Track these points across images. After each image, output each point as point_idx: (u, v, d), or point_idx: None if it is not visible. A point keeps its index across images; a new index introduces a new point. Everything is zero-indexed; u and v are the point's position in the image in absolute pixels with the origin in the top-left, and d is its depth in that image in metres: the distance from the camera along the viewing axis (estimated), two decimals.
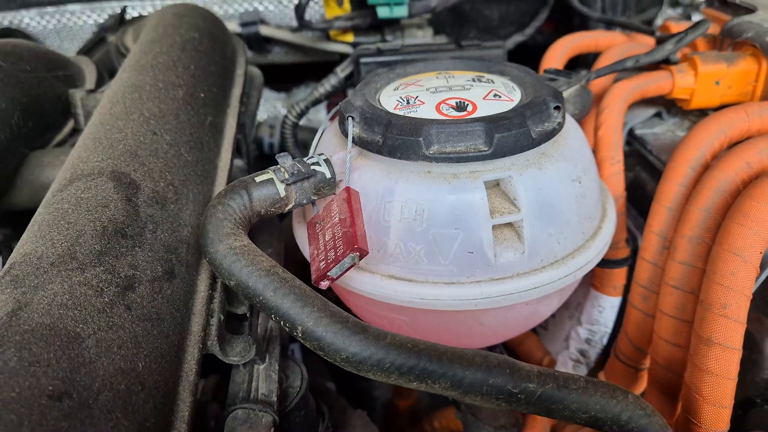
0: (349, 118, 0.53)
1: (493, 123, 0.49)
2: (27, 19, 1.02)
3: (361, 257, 0.46)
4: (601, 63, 0.80)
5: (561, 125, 0.52)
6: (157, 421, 0.38)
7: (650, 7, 1.05)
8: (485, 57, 0.75)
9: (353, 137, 0.52)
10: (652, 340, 0.57)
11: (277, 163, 0.50)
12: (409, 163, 0.50)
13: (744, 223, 0.50)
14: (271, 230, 0.63)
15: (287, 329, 0.44)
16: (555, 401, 0.44)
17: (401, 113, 0.53)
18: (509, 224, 0.50)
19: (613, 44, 0.88)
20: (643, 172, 0.80)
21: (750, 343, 0.56)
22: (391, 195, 0.49)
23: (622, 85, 0.72)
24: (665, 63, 0.82)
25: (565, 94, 0.64)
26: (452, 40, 0.79)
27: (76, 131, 0.70)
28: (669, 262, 0.56)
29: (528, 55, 0.92)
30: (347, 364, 0.43)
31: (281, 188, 0.49)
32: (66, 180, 0.49)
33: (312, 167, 0.51)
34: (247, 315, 0.50)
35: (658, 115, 0.82)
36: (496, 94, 0.55)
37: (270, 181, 0.49)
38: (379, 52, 0.76)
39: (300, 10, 0.93)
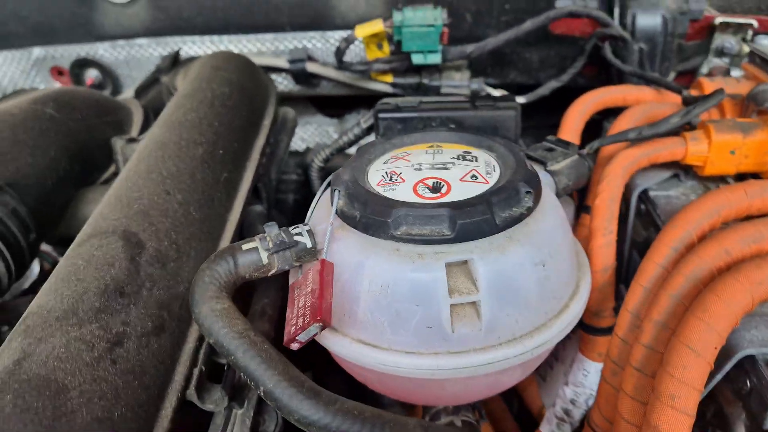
0: (336, 192, 0.58)
1: (457, 210, 0.52)
2: (101, 50, 1.12)
3: (323, 328, 0.51)
4: (619, 123, 0.82)
5: (531, 209, 0.55)
6: None
7: (695, 56, 1.03)
8: (498, 117, 0.78)
9: (337, 210, 0.57)
10: (614, 416, 0.59)
11: (264, 231, 0.56)
12: (380, 241, 0.54)
13: (702, 317, 0.52)
14: (271, 282, 0.69)
15: (252, 386, 0.50)
16: None
17: (382, 190, 0.57)
18: (472, 303, 0.54)
19: (640, 100, 0.89)
20: (655, 235, 0.80)
21: (724, 425, 0.57)
22: (362, 268, 0.54)
23: (628, 153, 0.73)
24: (688, 125, 0.82)
25: (558, 166, 0.67)
26: (470, 101, 0.81)
27: (117, 174, 0.79)
28: (635, 344, 0.58)
29: (568, 99, 0.93)
30: (300, 424, 0.48)
31: (264, 256, 0.55)
32: (85, 236, 0.57)
33: (295, 237, 0.56)
34: (225, 368, 0.56)
35: (676, 176, 0.82)
36: (473, 176, 0.58)
37: (255, 249, 0.55)
38: (398, 109, 0.80)
39: (339, 53, 0.98)
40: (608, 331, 0.68)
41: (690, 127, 0.80)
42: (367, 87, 1.08)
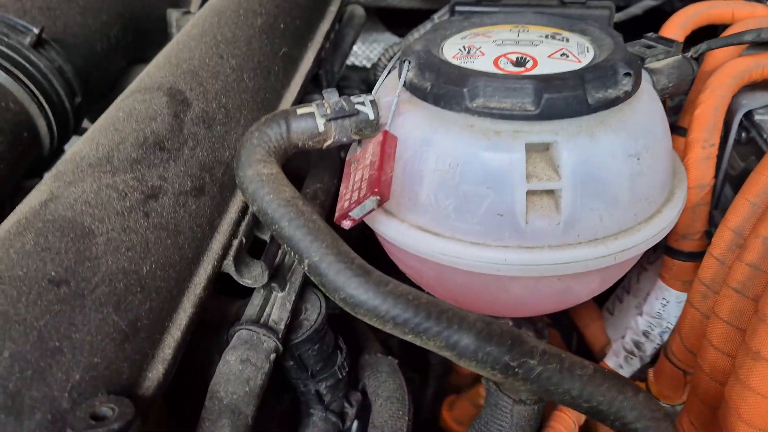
0: (405, 62, 0.51)
1: (544, 82, 0.45)
2: None
3: (381, 202, 0.45)
4: (729, 35, 0.72)
5: (628, 94, 0.48)
6: (150, 324, 0.41)
7: None
8: (588, 16, 0.69)
9: (406, 82, 0.51)
10: (701, 345, 0.52)
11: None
12: (452, 114, 0.47)
13: None
14: (327, 165, 0.63)
15: (296, 260, 0.45)
16: (555, 383, 0.42)
17: (457, 62, 0.51)
18: (550, 192, 0.47)
19: (752, 16, 0.78)
20: (756, 163, 0.71)
21: None
22: (429, 145, 0.48)
23: (738, 62, 0.64)
24: None
25: (658, 64, 0.58)
26: None
27: None
28: (736, 263, 0.50)
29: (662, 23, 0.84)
30: (345, 304, 0.43)
31: (320, 123, 0.49)
32: (129, 91, 0.53)
33: (356, 107, 0.50)
34: (267, 242, 0.51)
35: None
36: (564, 54, 0.51)
37: (311, 114, 0.49)
38: (477, 2, 0.72)
39: None
40: (696, 256, 0.60)
41: None
42: None
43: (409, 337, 0.43)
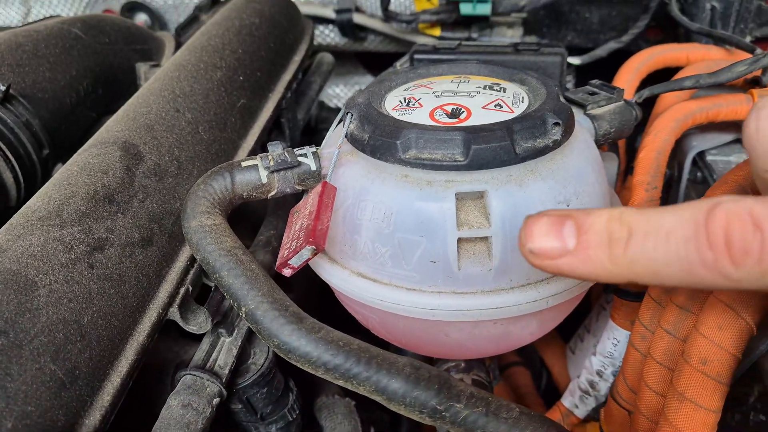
0: (348, 114, 0.53)
1: (473, 134, 0.47)
2: None
3: (316, 252, 0.47)
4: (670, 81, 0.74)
5: (557, 143, 0.50)
6: (90, 371, 0.42)
7: None
8: (541, 62, 0.72)
9: (347, 134, 0.53)
10: (639, 385, 0.53)
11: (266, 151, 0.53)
12: (387, 165, 0.50)
13: None
14: (280, 213, 0.65)
15: (235, 308, 0.47)
16: (481, 426, 0.43)
17: (396, 114, 0.53)
18: (483, 239, 0.49)
19: (705, 59, 0.81)
20: None
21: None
22: (366, 194, 0.50)
23: (682, 106, 0.66)
24: (755, 85, 0.74)
25: (600, 110, 0.60)
26: (512, 45, 0.76)
27: None
28: (669, 304, 0.51)
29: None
30: (279, 350, 0.45)
31: (263, 175, 0.51)
32: (88, 145, 0.55)
33: (299, 158, 0.52)
34: (212, 289, 0.53)
35: (739, 140, 0.74)
36: (498, 104, 0.53)
37: (254, 167, 0.52)
38: (435, 50, 0.75)
39: (385, 2, 0.94)
40: (643, 296, 0.61)
41: (759, 85, 0.72)
42: (413, 41, 1.03)
43: (340, 382, 0.45)
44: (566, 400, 0.68)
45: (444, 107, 0.53)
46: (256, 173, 0.52)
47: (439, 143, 0.48)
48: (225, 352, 0.52)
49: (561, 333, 0.85)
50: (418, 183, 0.49)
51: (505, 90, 0.56)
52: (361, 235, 0.50)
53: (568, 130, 0.51)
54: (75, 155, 0.55)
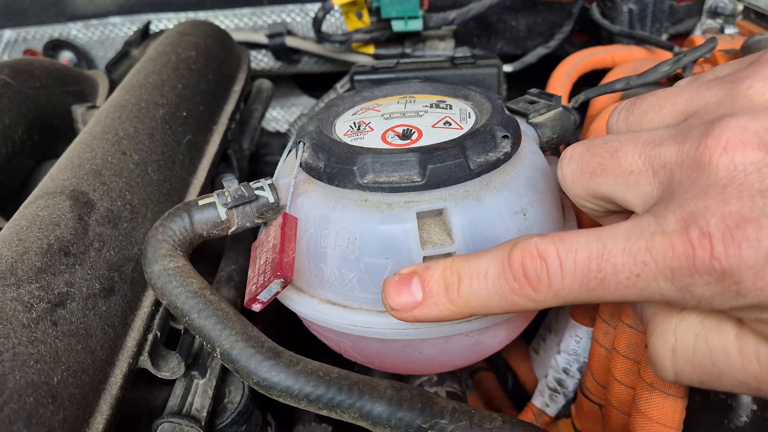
0: (300, 144, 0.54)
1: (427, 154, 0.48)
2: (74, 31, 1.09)
3: (284, 285, 0.47)
4: (607, 81, 0.77)
5: (508, 155, 0.51)
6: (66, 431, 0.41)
7: (687, 18, 0.99)
8: (478, 75, 0.74)
9: (302, 163, 0.53)
10: (607, 379, 0.55)
11: (222, 187, 0.52)
12: (345, 191, 0.50)
13: None
14: (239, 248, 0.65)
15: (209, 349, 0.46)
16: None
17: (349, 140, 0.53)
18: (446, 255, 0.50)
19: (630, 59, 0.85)
20: None
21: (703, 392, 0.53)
22: (327, 222, 0.50)
23: (616, 106, 0.69)
24: (677, 81, 0.78)
25: (542, 118, 0.63)
26: (449, 59, 0.77)
27: None
28: None
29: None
30: (259, 387, 0.44)
31: (222, 212, 0.51)
32: (33, 198, 0.53)
33: (256, 192, 0.52)
34: (182, 332, 0.52)
35: None
36: (447, 122, 0.54)
37: (212, 204, 0.51)
38: (374, 70, 0.76)
39: (317, 23, 0.94)
40: None
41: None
42: (348, 60, 1.04)
43: (324, 412, 0.45)
44: (537, 401, 0.70)
45: (395, 129, 0.54)
46: (214, 211, 0.51)
47: (395, 166, 0.49)
48: (200, 394, 0.51)
49: (522, 334, 0.87)
50: (379, 206, 0.49)
51: (451, 107, 0.57)
52: (327, 263, 0.50)
53: (516, 141, 0.53)
54: (20, 209, 0.53)
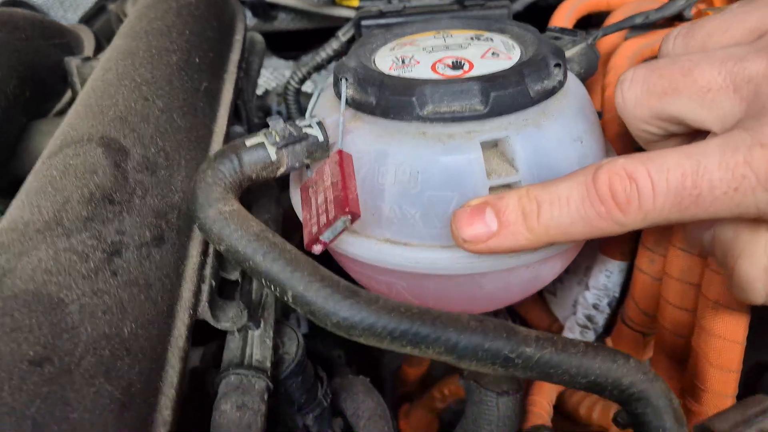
0: (343, 80, 0.51)
1: (489, 81, 0.47)
2: None
3: (352, 220, 0.45)
4: (612, 21, 0.77)
5: (561, 83, 0.50)
6: (144, 387, 0.38)
7: None
8: (488, 17, 0.73)
9: (347, 99, 0.51)
10: (659, 305, 0.55)
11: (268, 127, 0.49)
12: (402, 124, 0.48)
13: None
14: (269, 196, 0.62)
15: (278, 294, 0.43)
16: (553, 366, 0.43)
17: (396, 74, 0.51)
18: (509, 186, 0.49)
19: (626, 2, 0.85)
20: None
21: (764, 307, 0.54)
22: (385, 157, 0.48)
23: (630, 43, 0.69)
24: (679, 20, 0.79)
25: (569, 53, 0.62)
26: (456, 2, 0.76)
27: (74, 99, 0.69)
28: (676, 225, 0.54)
29: (541, 17, 0.89)
30: (338, 329, 0.42)
31: (272, 152, 0.48)
32: (56, 147, 0.49)
33: (304, 130, 0.49)
34: (239, 281, 0.49)
35: None
36: (494, 53, 0.53)
37: (261, 145, 0.48)
38: (381, 15, 0.74)
39: None
40: None
41: (683, 20, 0.77)
42: (330, 14, 1.00)
43: (407, 349, 0.43)
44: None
45: (444, 61, 0.52)
46: (263, 151, 0.48)
47: (456, 95, 0.47)
48: (258, 345, 0.49)
49: None
50: (439, 138, 0.47)
51: (492, 40, 0.55)
52: (385, 200, 0.49)
53: (566, 71, 0.52)
54: (43, 160, 0.49)
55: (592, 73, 0.64)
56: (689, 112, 0.40)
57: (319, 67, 0.84)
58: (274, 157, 0.48)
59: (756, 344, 0.54)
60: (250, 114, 0.72)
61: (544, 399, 0.65)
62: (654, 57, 0.72)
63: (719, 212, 0.35)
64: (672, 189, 0.35)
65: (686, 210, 0.36)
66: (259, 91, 1.23)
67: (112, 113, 0.51)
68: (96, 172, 0.46)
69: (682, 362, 0.55)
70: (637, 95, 0.43)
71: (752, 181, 0.33)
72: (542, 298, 0.82)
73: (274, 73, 1.26)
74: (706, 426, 0.32)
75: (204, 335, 0.56)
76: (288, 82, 0.86)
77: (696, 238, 0.43)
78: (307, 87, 1.02)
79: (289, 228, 0.67)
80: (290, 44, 1.22)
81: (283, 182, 0.60)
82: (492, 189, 0.48)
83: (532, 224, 0.41)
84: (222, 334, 0.51)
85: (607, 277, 0.66)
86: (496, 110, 0.47)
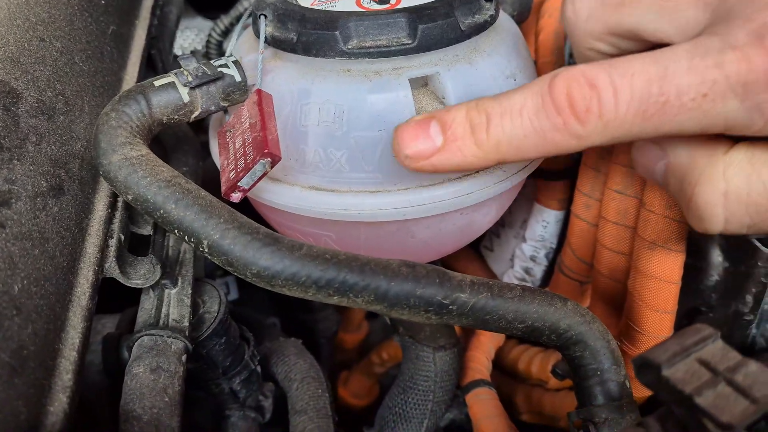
0: (261, 17, 0.47)
1: (416, 13, 0.44)
2: None
3: (273, 164, 0.41)
4: None
5: (494, 18, 0.48)
6: (39, 349, 0.34)
7: None
8: None
9: (266, 37, 0.47)
10: (595, 250, 0.54)
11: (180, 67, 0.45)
12: (326, 61, 0.45)
13: None
14: (186, 148, 0.58)
15: (192, 244, 0.40)
16: (489, 311, 0.41)
17: (318, 9, 0.48)
18: None
19: None
20: None
21: (695, 250, 0.53)
22: (308, 96, 0.45)
23: None
24: None
25: None
26: None
27: None
28: (611, 167, 0.52)
29: None
30: (259, 279, 0.39)
31: (184, 93, 0.44)
32: None
33: (220, 69, 0.45)
34: (152, 234, 0.45)
35: None
36: None
37: (171, 84, 0.44)
38: None
39: None
40: (566, 173, 0.63)
41: None
42: None
43: (334, 299, 0.40)
44: None
45: None
46: (175, 92, 0.44)
47: (382, 28, 0.44)
48: (175, 305, 0.45)
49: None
50: (366, 74, 0.44)
51: None
52: (309, 143, 0.45)
53: (497, 6, 0.49)
54: None
55: (526, 16, 0.62)
56: (648, 24, 0.37)
57: (241, 17, 0.79)
58: (186, 98, 0.44)
59: (690, 290, 0.54)
60: (167, 66, 0.67)
61: (482, 354, 0.63)
62: None
63: (684, 124, 0.33)
64: (636, 95, 0.33)
65: (650, 120, 0.33)
66: (181, 52, 1.16)
67: (1, 54, 0.45)
68: None
69: (618, 308, 0.54)
70: (591, 7, 0.39)
71: (722, 86, 0.31)
72: (479, 255, 0.80)
73: (199, 35, 1.20)
74: (645, 357, 0.31)
75: (124, 300, 0.52)
76: (210, 35, 0.81)
77: (649, 167, 0.41)
78: None
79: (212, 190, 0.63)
80: (215, 4, 1.16)
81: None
82: None
83: (481, 138, 0.37)
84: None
85: (543, 227, 0.65)
86: (425, 45, 0.44)
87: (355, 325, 0.96)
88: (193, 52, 1.10)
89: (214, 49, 0.82)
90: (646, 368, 0.31)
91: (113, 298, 0.49)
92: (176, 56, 1.04)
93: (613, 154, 0.53)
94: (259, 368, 0.53)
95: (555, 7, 0.66)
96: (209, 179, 0.60)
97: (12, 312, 0.34)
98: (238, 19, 0.80)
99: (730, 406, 0.28)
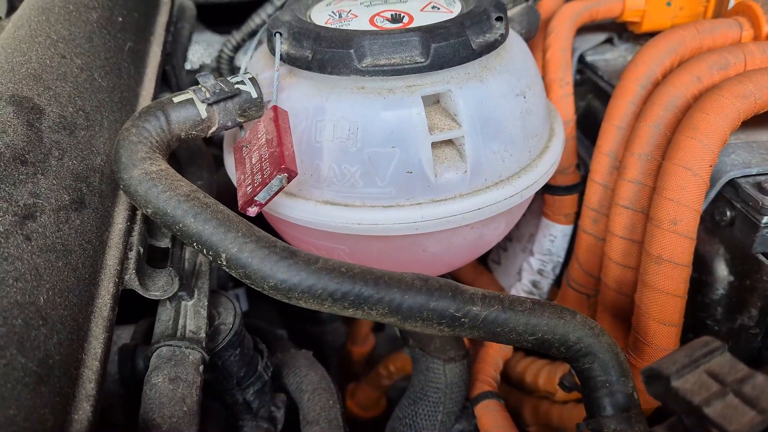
0: (277, 35, 0.48)
1: (429, 32, 0.45)
2: None
3: (289, 179, 0.42)
4: None
5: (503, 37, 0.49)
6: (64, 358, 0.35)
7: None
8: None
9: (282, 55, 0.48)
10: (602, 264, 0.55)
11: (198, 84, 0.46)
12: (340, 79, 0.46)
13: (694, 136, 0.48)
14: (200, 162, 0.59)
15: (210, 258, 0.41)
16: (500, 324, 0.42)
17: (333, 27, 0.49)
18: (450, 142, 0.47)
19: None
20: (595, 101, 0.77)
21: (700, 265, 0.54)
22: (322, 113, 0.46)
23: (569, 6, 0.68)
24: None
25: (511, 12, 0.61)
26: None
27: None
28: (619, 182, 0.53)
29: None
30: (276, 291, 0.40)
31: (202, 109, 0.45)
32: None
33: (236, 86, 0.47)
34: (170, 248, 0.46)
35: (609, 41, 0.79)
36: (434, 6, 0.51)
37: (190, 101, 0.45)
38: None
39: None
40: (574, 189, 0.64)
41: None
42: None
43: (349, 312, 0.41)
44: None
45: (382, 14, 0.50)
46: (193, 108, 0.45)
47: (396, 46, 0.45)
48: (192, 316, 0.46)
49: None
50: (379, 92, 0.45)
51: None
52: (323, 158, 0.46)
53: (507, 25, 0.50)
54: None
55: (533, 34, 0.64)
56: None
57: (253, 34, 0.80)
58: (204, 114, 0.45)
59: (696, 303, 0.54)
60: (180, 81, 0.68)
61: (490, 366, 0.64)
62: (593, 20, 0.72)
63: None
64: None
65: None
66: (190, 66, 1.18)
67: (24, 71, 0.47)
68: (5, 131, 0.42)
69: (625, 321, 0.55)
70: None
71: None
72: (488, 269, 0.81)
73: (208, 49, 1.21)
74: (654, 369, 0.31)
75: (138, 311, 0.53)
76: (221, 50, 0.82)
77: None
78: None
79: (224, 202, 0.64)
80: (224, 19, 1.17)
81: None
82: (435, 145, 0.46)
83: None
84: (155, 310, 0.48)
85: (551, 241, 0.65)
86: (438, 63, 0.45)
87: (362, 337, 0.97)
88: (203, 66, 1.12)
89: (226, 64, 0.83)
90: (655, 379, 0.32)
91: (125, 309, 0.50)
92: (188, 71, 1.06)
93: (621, 170, 0.54)
94: (270, 379, 0.53)
95: (562, 25, 0.67)
96: (219, 191, 0.62)
97: (39, 322, 0.34)
98: (250, 35, 0.81)
99: (738, 416, 0.29)
